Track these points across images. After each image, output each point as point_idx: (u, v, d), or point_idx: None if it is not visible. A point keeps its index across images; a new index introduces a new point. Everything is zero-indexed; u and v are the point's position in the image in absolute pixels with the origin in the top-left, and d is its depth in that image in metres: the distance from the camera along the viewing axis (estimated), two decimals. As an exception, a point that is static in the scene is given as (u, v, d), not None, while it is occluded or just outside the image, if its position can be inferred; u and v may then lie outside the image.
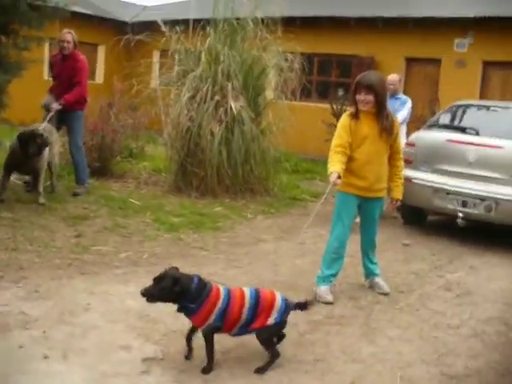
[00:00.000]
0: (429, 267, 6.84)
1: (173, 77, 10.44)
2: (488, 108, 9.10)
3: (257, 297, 4.10)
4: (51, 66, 9.10)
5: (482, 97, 14.53)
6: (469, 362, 4.51)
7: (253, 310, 4.05)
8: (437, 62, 15.42)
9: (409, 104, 9.12)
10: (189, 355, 4.12)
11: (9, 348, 4.10)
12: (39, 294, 5.02)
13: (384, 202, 5.92)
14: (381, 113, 5.38)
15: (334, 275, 5.63)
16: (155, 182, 10.32)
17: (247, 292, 4.12)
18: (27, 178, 8.51)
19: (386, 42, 15.58)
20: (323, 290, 5.51)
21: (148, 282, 5.41)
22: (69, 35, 8.52)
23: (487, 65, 14.84)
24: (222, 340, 4.21)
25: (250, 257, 6.66)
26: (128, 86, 10.92)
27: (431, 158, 8.31)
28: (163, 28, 10.44)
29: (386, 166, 5.59)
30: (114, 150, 10.64)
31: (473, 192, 7.84)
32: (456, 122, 8.86)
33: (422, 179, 8.27)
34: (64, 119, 8.63)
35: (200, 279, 4.09)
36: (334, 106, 14.40)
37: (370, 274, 5.92)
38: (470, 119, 8.81)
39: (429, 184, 8.21)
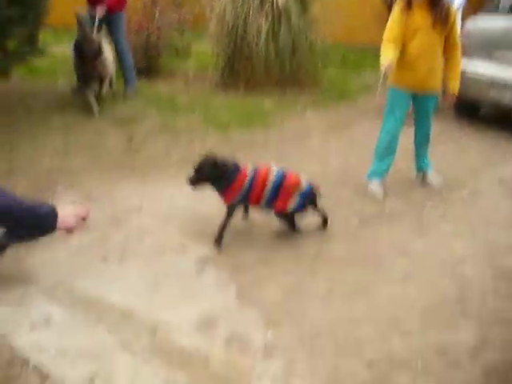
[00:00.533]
0: (481, 162, 6.68)
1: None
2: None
3: (282, 177, 4.41)
4: None
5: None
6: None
7: (276, 188, 4.37)
8: None
9: None
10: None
11: (70, 250, 4.26)
12: (93, 197, 5.14)
13: (438, 97, 5.67)
14: (435, 2, 5.12)
15: (386, 170, 5.58)
16: (202, 80, 10.22)
17: (273, 171, 4.43)
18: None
19: None
20: (374, 185, 5.51)
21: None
22: None
23: None
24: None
25: (299, 152, 6.64)
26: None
27: (488, 47, 7.88)
28: None
29: (441, 59, 5.37)
30: (159, 48, 10.52)
31: None
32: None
33: (476, 70, 7.90)
34: (107, 23, 8.52)
35: (235, 164, 4.45)
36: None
37: (421, 168, 5.86)
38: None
39: (484, 75, 7.84)
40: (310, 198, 4.51)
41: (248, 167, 4.46)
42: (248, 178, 4.37)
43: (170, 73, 10.65)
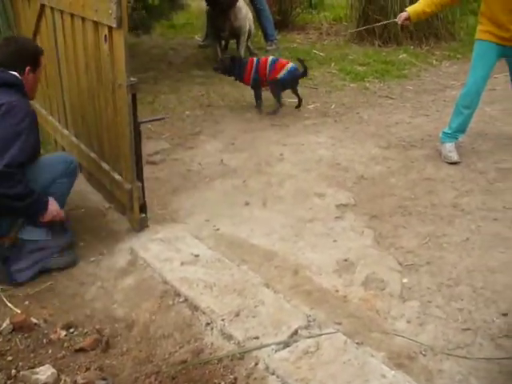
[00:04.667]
0: None
1: None
2: None
3: (276, 60, 6.33)
4: None
5: None
6: None
7: (272, 65, 6.21)
8: None
9: None
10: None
11: (215, 195, 4.52)
12: (235, 146, 5.38)
13: None
14: None
15: (462, 131, 5.24)
16: (337, 32, 10.23)
17: (269, 59, 6.34)
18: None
19: None
20: (448, 148, 5.15)
21: (336, 131, 5.68)
22: None
23: None
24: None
25: (436, 104, 6.60)
26: None
27: None
28: None
29: None
30: (293, 1, 10.61)
31: None
32: None
33: None
34: None
35: (239, 59, 6.65)
36: None
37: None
38: None
39: None
40: (293, 74, 6.24)
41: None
42: (254, 63, 6.29)
43: (305, 26, 10.74)
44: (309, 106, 6.45)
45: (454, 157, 5.07)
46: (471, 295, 3.39)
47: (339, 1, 11.15)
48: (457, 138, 5.21)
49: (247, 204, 4.36)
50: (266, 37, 9.03)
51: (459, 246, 3.87)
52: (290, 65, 6.24)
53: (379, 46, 9.21)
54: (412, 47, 9.12)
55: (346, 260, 3.67)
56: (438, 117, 6.17)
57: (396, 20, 5.11)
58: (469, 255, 3.77)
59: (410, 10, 5.01)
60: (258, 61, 6.33)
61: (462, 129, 5.20)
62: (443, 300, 3.34)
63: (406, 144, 5.43)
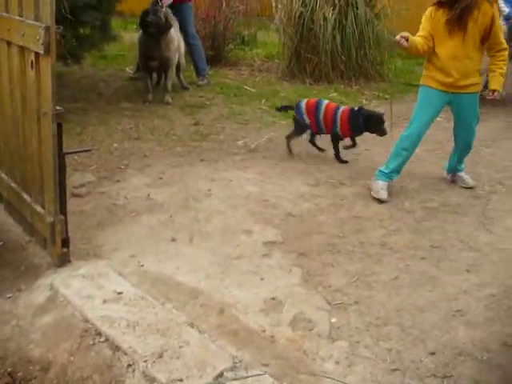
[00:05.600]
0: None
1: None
2: None
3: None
4: None
5: None
6: None
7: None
8: None
9: None
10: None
11: (140, 230, 4.38)
12: (163, 181, 5.27)
13: (478, 100, 5.20)
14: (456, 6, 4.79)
15: (398, 172, 5.27)
16: (269, 69, 10.30)
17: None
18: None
19: None
20: (380, 185, 5.15)
21: (265, 167, 5.64)
22: None
23: None
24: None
25: (365, 142, 6.58)
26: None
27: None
28: None
29: (478, 61, 5.01)
30: (226, 37, 10.64)
31: None
32: None
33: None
34: (175, 14, 8.61)
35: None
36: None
37: (452, 170, 5.54)
38: None
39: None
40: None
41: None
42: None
43: (237, 62, 10.78)
44: (238, 142, 6.41)
45: (384, 195, 5.08)
46: (400, 335, 3.36)
47: (271, 38, 11.23)
48: (391, 179, 5.24)
49: (173, 240, 4.25)
50: (198, 71, 9.01)
51: (388, 284, 3.86)
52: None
53: (310, 84, 9.31)
54: (342, 86, 9.25)
55: (273, 299, 3.60)
56: (367, 155, 6.21)
57: (396, 38, 5.00)
58: (397, 294, 3.75)
59: (410, 36, 5.01)
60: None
61: (398, 169, 5.26)
62: (372, 340, 3.29)
63: (336, 182, 5.43)
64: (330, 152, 6.19)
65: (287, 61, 9.79)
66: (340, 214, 4.78)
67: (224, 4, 10.63)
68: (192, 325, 3.27)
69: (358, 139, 6.71)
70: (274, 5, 10.03)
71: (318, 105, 5.96)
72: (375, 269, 4.03)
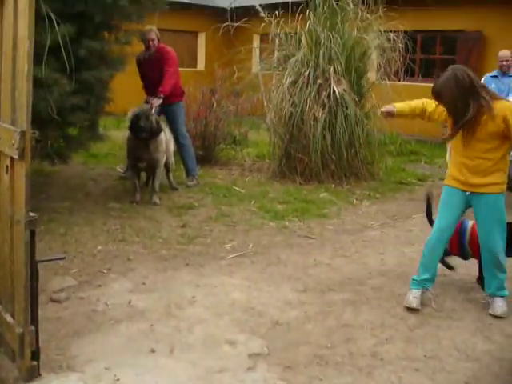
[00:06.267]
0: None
1: (274, 62, 10.34)
2: None
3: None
4: (139, 66, 8.74)
5: None
6: None
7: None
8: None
9: None
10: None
11: (118, 340, 4.15)
12: (146, 286, 5.07)
13: (498, 201, 4.86)
14: (457, 119, 4.67)
15: (431, 280, 5.04)
16: (259, 169, 10.28)
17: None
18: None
19: (496, 13, 14.64)
20: (412, 294, 4.96)
21: (252, 272, 5.46)
22: (152, 33, 8.38)
23: None
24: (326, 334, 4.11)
25: (356, 245, 6.51)
26: (229, 73, 10.87)
27: None
28: (262, 13, 10.34)
29: (498, 160, 4.73)
30: (217, 137, 10.69)
31: None
32: None
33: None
34: (166, 113, 8.63)
35: None
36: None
37: (488, 288, 5.01)
38: None
39: None
40: None
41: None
42: None
43: (228, 162, 10.80)
44: (225, 245, 6.24)
45: (414, 303, 4.88)
46: None
47: (263, 138, 11.26)
48: (425, 287, 5.03)
49: (153, 351, 4.01)
50: (187, 172, 8.95)
51: (379, 402, 3.63)
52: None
53: (300, 183, 9.26)
54: (333, 186, 9.20)
55: (256, 418, 3.36)
56: (357, 258, 6.05)
57: (382, 110, 5.10)
58: (390, 414, 3.52)
59: (397, 105, 5.04)
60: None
61: (431, 278, 5.05)
62: None
63: (324, 287, 5.23)
64: (321, 257, 6.05)
65: (278, 161, 9.79)
66: (328, 322, 4.56)
67: (215, 104, 10.74)
68: None
69: (348, 240, 6.61)
70: (265, 104, 10.11)
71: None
72: (366, 382, 3.79)
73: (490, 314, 4.84)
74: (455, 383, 3.85)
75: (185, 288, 5.05)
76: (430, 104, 4.96)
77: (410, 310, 4.87)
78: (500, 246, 4.84)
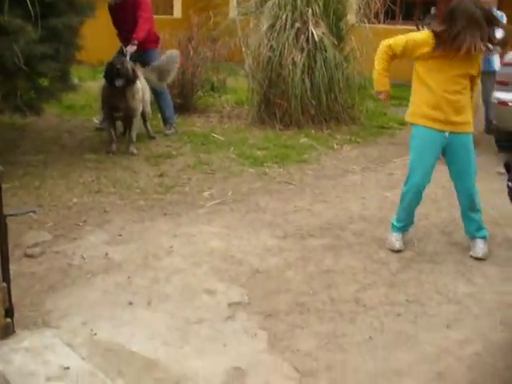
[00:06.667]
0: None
1: (251, 6, 10.09)
2: None
3: None
4: (111, 11, 8.50)
5: None
6: None
7: None
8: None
9: (504, 20, 8.56)
10: None
11: (95, 293, 4.05)
12: (123, 238, 4.96)
13: (471, 141, 4.78)
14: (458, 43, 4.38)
15: (410, 224, 5.01)
16: (238, 115, 10.11)
17: None
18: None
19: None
20: (394, 236, 4.92)
21: (231, 220, 5.35)
22: None
23: None
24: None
25: (337, 190, 6.41)
26: (205, 19, 10.60)
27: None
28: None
29: (469, 97, 4.69)
30: (194, 84, 10.46)
31: None
32: None
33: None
34: (141, 61, 8.39)
35: None
36: (420, 27, 13.64)
37: (468, 232, 4.95)
38: None
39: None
40: None
41: None
42: None
43: (206, 109, 10.60)
44: (204, 194, 6.11)
45: (397, 245, 4.87)
46: (375, 404, 3.07)
47: (241, 84, 11.05)
48: (406, 230, 5.03)
49: (130, 304, 3.91)
50: (165, 120, 8.77)
51: (362, 346, 3.56)
52: None
53: (280, 129, 9.11)
54: (313, 131, 9.06)
55: (236, 368, 3.28)
56: (337, 203, 5.96)
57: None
58: (372, 357, 3.46)
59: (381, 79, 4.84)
60: None
61: (410, 222, 5.02)
62: (344, 412, 3.00)
63: (304, 233, 5.14)
64: (301, 202, 5.96)
65: (256, 107, 9.61)
66: (309, 269, 4.48)
67: (192, 51, 10.50)
68: (145, 404, 2.95)
69: (328, 185, 6.51)
70: (243, 50, 9.89)
71: None
72: (348, 329, 3.73)
73: (472, 257, 4.78)
74: (437, 326, 3.81)
75: (162, 238, 4.95)
76: (396, 44, 4.65)
77: (393, 252, 4.82)
78: (475, 186, 4.80)
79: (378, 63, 4.78)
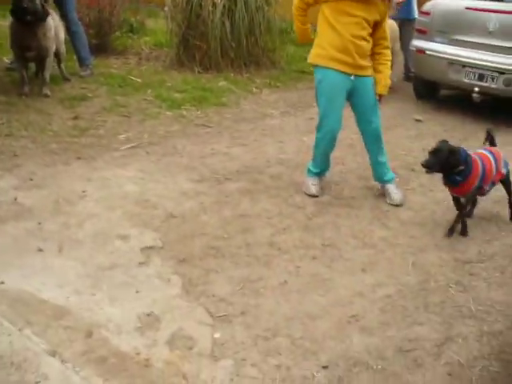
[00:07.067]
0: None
1: None
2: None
3: (494, 156, 4.44)
4: None
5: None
6: (482, 246, 4.30)
7: (495, 167, 4.42)
8: None
9: None
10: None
11: (3, 240, 3.90)
12: (34, 182, 4.78)
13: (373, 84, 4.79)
14: None
15: (326, 168, 5.05)
16: (157, 58, 9.84)
17: (487, 153, 4.47)
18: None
19: None
20: (310, 180, 4.96)
21: (147, 164, 5.25)
22: None
23: None
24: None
25: (255, 133, 6.36)
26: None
27: (447, 28, 7.69)
28: None
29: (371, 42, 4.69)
30: (112, 24, 10.06)
31: (491, 64, 7.23)
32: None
33: (436, 50, 7.71)
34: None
35: (464, 151, 4.33)
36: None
37: (379, 178, 5.04)
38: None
39: (444, 56, 7.64)
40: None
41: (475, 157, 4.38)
42: (480, 168, 4.34)
43: (124, 50, 10.25)
44: (119, 137, 5.95)
45: (314, 190, 4.89)
46: (289, 348, 3.09)
47: (161, 26, 10.77)
48: (323, 175, 5.08)
49: (40, 250, 3.79)
50: (80, 61, 8.43)
51: (276, 290, 3.58)
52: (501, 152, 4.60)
53: (199, 72, 8.93)
54: (232, 74, 8.93)
55: (149, 315, 3.24)
56: (255, 147, 5.92)
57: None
58: (287, 301, 3.48)
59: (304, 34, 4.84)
60: (482, 162, 4.39)
61: (326, 167, 5.06)
62: (259, 356, 3.00)
63: (221, 177, 5.10)
64: (219, 146, 5.89)
65: (175, 49, 9.37)
66: (225, 213, 4.45)
67: (110, -12, 10.13)
68: (53, 353, 2.87)
69: (246, 129, 6.46)
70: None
71: None
72: (263, 273, 3.73)
73: (389, 204, 4.84)
74: (352, 270, 3.86)
75: (75, 182, 4.80)
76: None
77: (310, 196, 4.82)
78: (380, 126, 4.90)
79: (295, 20, 4.83)
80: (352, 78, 4.63)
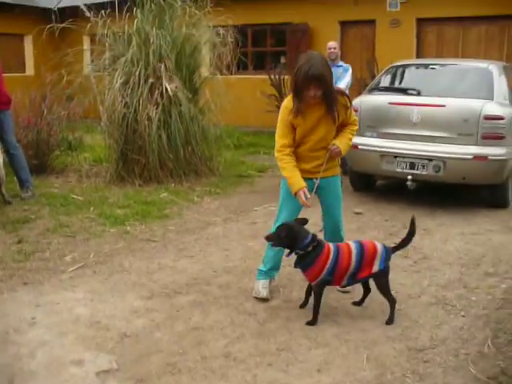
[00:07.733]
0: (383, 235, 6.68)
1: (104, 63, 10.07)
2: (426, 66, 9.10)
3: (361, 250, 4.49)
4: None
5: (419, 55, 14.56)
6: (434, 331, 4.43)
7: (359, 262, 4.46)
8: (371, 23, 15.21)
9: (350, 71, 9.39)
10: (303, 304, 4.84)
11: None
12: (-21, 312, 4.74)
13: (339, 181, 5.09)
14: (329, 102, 4.64)
15: (276, 268, 5.16)
16: (97, 174, 9.96)
17: (353, 246, 4.52)
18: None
19: (318, 7, 15.29)
20: (260, 284, 5.04)
21: (95, 284, 5.26)
22: None
23: (421, 22, 14.72)
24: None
25: (200, 243, 6.45)
26: (59, 77, 10.41)
27: (375, 122, 8.19)
28: (87, 13, 10.04)
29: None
30: (50, 144, 10.24)
31: (420, 153, 7.77)
32: (396, 84, 8.77)
33: (367, 144, 8.15)
34: None
35: (313, 237, 4.50)
36: (272, 76, 14.17)
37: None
38: (409, 79, 8.76)
39: (375, 149, 8.10)
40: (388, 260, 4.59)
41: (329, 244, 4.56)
42: (332, 255, 4.48)
43: (64, 169, 10.44)
44: (66, 258, 5.96)
45: (265, 293, 4.98)
46: None
47: (98, 142, 10.93)
48: (272, 277, 5.14)
49: (-10, 386, 3.75)
50: (21, 183, 8.48)
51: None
52: (381, 248, 4.54)
53: (140, 185, 9.10)
54: (173, 185, 9.13)
55: None
56: (201, 257, 6.00)
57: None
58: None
59: (301, 186, 4.72)
60: (336, 250, 4.51)
61: (276, 266, 5.15)
62: None
63: (170, 291, 5.13)
64: (165, 260, 5.95)
65: (115, 164, 9.53)
66: (178, 328, 4.46)
67: (46, 110, 10.30)
68: None
69: (191, 239, 6.55)
70: (98, 107, 9.80)
71: None
72: (219, 388, 3.74)
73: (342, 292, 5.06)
74: (308, 371, 3.90)
75: (24, 309, 4.76)
76: (282, 140, 4.78)
77: (260, 301, 4.91)
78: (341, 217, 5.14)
79: (283, 170, 4.80)
80: (315, 180, 4.83)
